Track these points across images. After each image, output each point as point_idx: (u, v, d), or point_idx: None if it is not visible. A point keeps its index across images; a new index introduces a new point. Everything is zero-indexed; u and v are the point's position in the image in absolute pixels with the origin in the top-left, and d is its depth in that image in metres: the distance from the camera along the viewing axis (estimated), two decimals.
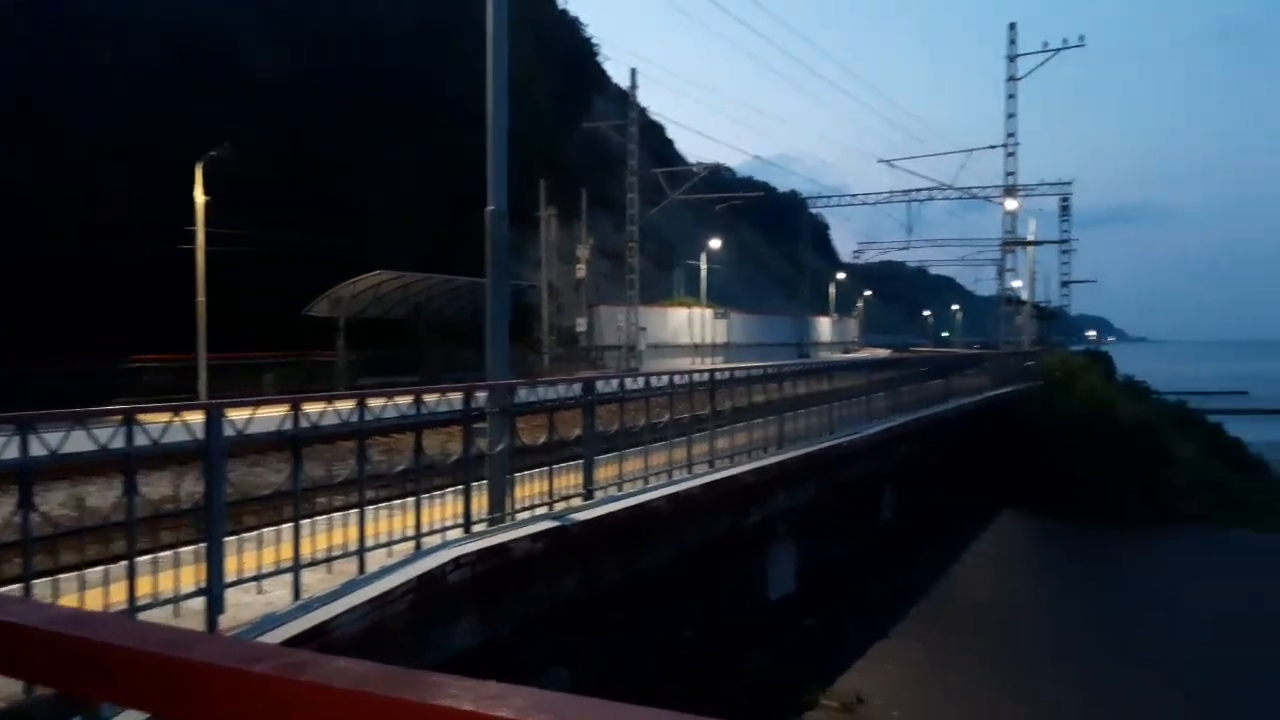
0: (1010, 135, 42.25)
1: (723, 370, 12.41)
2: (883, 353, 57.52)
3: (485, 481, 7.60)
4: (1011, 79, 41.39)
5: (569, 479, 8.34)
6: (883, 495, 17.44)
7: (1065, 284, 59.92)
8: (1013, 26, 41.68)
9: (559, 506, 8.03)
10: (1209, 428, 47.47)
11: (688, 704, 0.85)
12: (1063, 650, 14.02)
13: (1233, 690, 12.89)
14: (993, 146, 43.17)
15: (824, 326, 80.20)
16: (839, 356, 57.19)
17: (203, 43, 32.37)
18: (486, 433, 7.59)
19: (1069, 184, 54.94)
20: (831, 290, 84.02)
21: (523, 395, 7.89)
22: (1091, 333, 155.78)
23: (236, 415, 5.74)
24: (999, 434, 25.85)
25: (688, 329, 51.95)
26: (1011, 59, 41.42)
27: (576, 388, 8.44)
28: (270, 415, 6.09)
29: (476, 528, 7.33)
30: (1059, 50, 40.63)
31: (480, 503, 7.52)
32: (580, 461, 8.49)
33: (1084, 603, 17.11)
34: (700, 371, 11.68)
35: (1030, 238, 51.26)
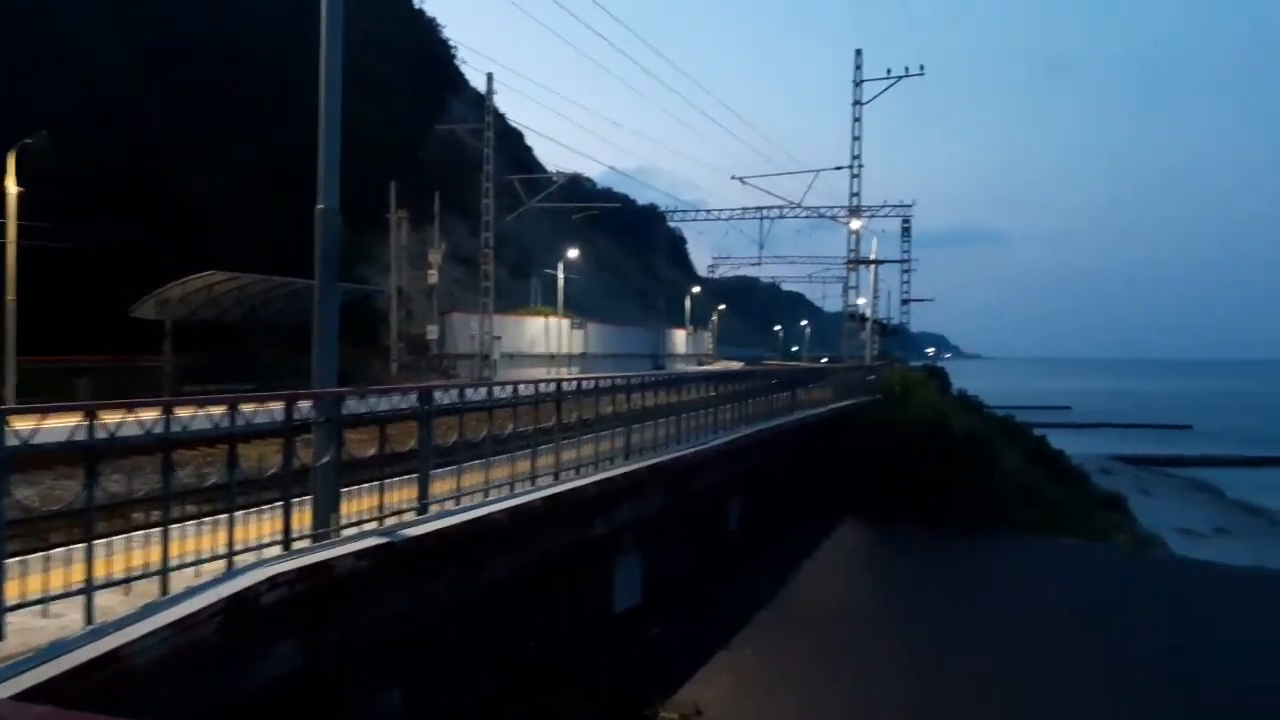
0: (855, 157, 44.02)
1: (569, 381, 12.25)
2: (736, 365, 58.83)
3: (309, 497, 7.18)
4: (857, 103, 43.15)
5: (403, 493, 7.98)
6: (730, 505, 17.68)
7: (906, 302, 63.09)
8: (859, 53, 43.46)
9: (390, 522, 7.66)
10: (1034, 440, 50.76)
11: None
12: (899, 651, 14.53)
13: (1053, 676, 13.70)
14: (839, 168, 44.87)
15: (680, 339, 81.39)
16: (692, 368, 58.14)
17: (38, 24, 29.94)
18: (313, 444, 7.18)
19: (910, 206, 57.78)
20: (688, 303, 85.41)
21: (353, 405, 7.49)
22: (930, 349, 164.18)
23: (23, 424, 5.18)
24: (842, 445, 26.74)
25: (544, 338, 51.60)
26: (857, 84, 43.19)
27: (412, 398, 8.09)
28: (63, 424, 5.54)
29: (298, 545, 6.90)
30: (901, 78, 42.64)
31: (303, 519, 7.10)
32: (415, 475, 8.14)
33: (920, 605, 17.82)
34: (546, 382, 11.47)
35: (873, 257, 53.57)
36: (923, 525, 24.58)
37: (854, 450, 27.08)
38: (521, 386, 10.41)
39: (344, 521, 7.34)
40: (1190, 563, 29.92)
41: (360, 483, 7.68)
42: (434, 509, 8.28)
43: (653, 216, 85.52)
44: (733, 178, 48.99)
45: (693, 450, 14.31)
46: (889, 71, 43.08)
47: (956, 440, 28.24)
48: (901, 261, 60.45)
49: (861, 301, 54.05)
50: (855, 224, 46.68)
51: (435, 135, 53.47)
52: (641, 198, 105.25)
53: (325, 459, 7.12)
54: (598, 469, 11.37)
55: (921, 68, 42.60)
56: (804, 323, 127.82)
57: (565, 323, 53.32)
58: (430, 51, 63.71)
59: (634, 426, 12.69)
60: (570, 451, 11.00)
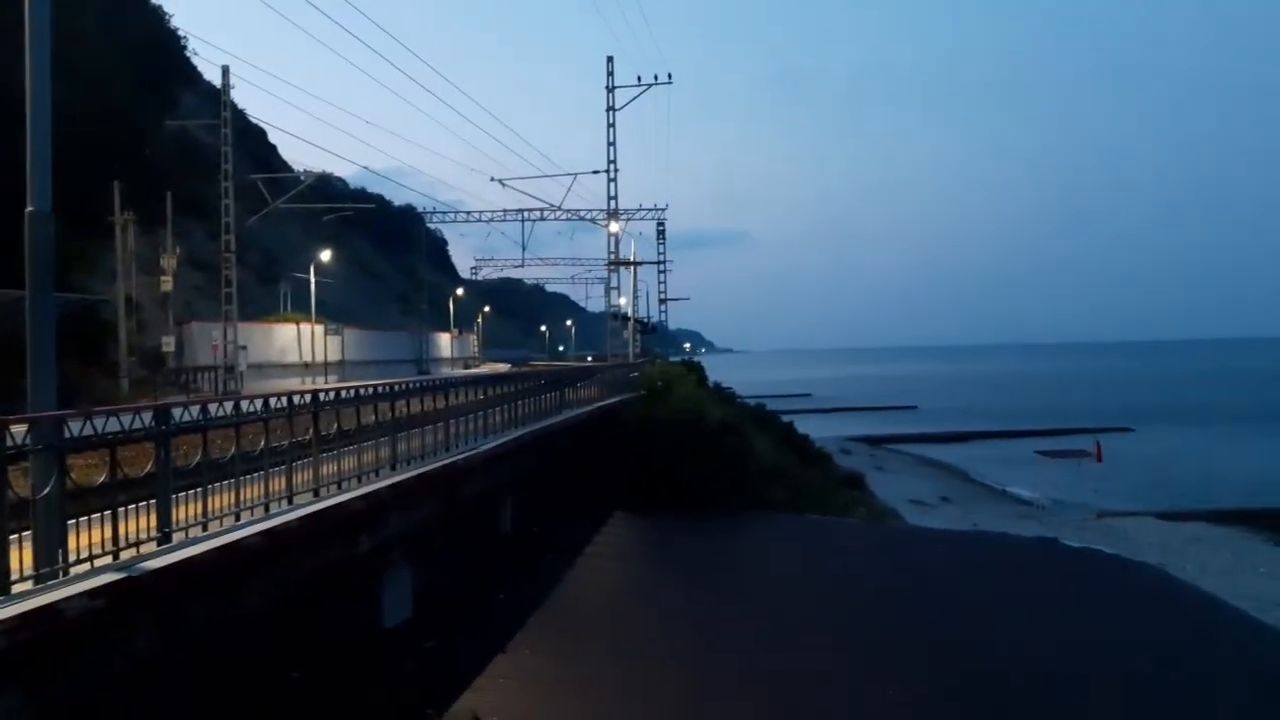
0: (611, 162, 45.05)
1: (328, 390, 11.71)
2: (503, 367, 58.54)
3: (30, 533, 6.45)
4: (611, 109, 44.17)
5: (143, 521, 7.32)
6: (502, 508, 17.59)
7: (663, 301, 65.50)
8: (610, 60, 44.48)
9: (127, 554, 7.02)
10: (783, 426, 54.20)
11: None
12: (669, 632, 15.07)
13: (810, 637, 14.75)
14: (596, 171, 45.76)
15: (444, 342, 79.90)
16: (459, 372, 57.22)
17: None
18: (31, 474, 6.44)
19: (664, 209, 59.91)
20: (451, 306, 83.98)
21: (78, 428, 6.79)
22: (687, 345, 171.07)
23: None
24: (610, 440, 27.33)
25: (296, 347, 48.97)
26: (610, 90, 44.19)
27: (146, 417, 7.43)
28: None
29: (19, 588, 6.18)
30: (650, 85, 44.13)
31: (24, 558, 6.36)
32: (154, 501, 7.50)
33: (685, 586, 18.57)
34: (303, 393, 10.91)
35: (632, 258, 55.13)
36: (685, 511, 25.62)
37: (621, 445, 27.77)
38: (273, 399, 9.83)
39: (74, 558, 6.66)
40: (919, 530, 33.07)
41: (92, 512, 6.98)
42: (178, 537, 7.67)
43: (411, 217, 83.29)
44: (492, 179, 48.75)
45: (463, 456, 14.11)
46: (639, 78, 44.49)
47: (712, 429, 29.62)
48: (658, 262, 62.67)
49: (623, 301, 55.44)
50: (614, 226, 47.84)
51: (166, 132, 49.33)
52: (398, 198, 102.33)
53: (46, 490, 6.42)
54: (361, 482, 10.96)
55: (670, 76, 44.33)
56: (569, 323, 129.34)
57: (319, 329, 50.84)
58: (156, 41, 58.55)
59: (399, 435, 12.33)
60: (331, 465, 10.53)
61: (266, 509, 9.04)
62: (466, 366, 75.64)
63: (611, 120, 44.17)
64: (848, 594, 18.57)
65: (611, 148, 44.69)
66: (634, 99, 44.46)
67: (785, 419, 56.83)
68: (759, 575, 20.33)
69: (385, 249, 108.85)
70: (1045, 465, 77.24)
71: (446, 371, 61.45)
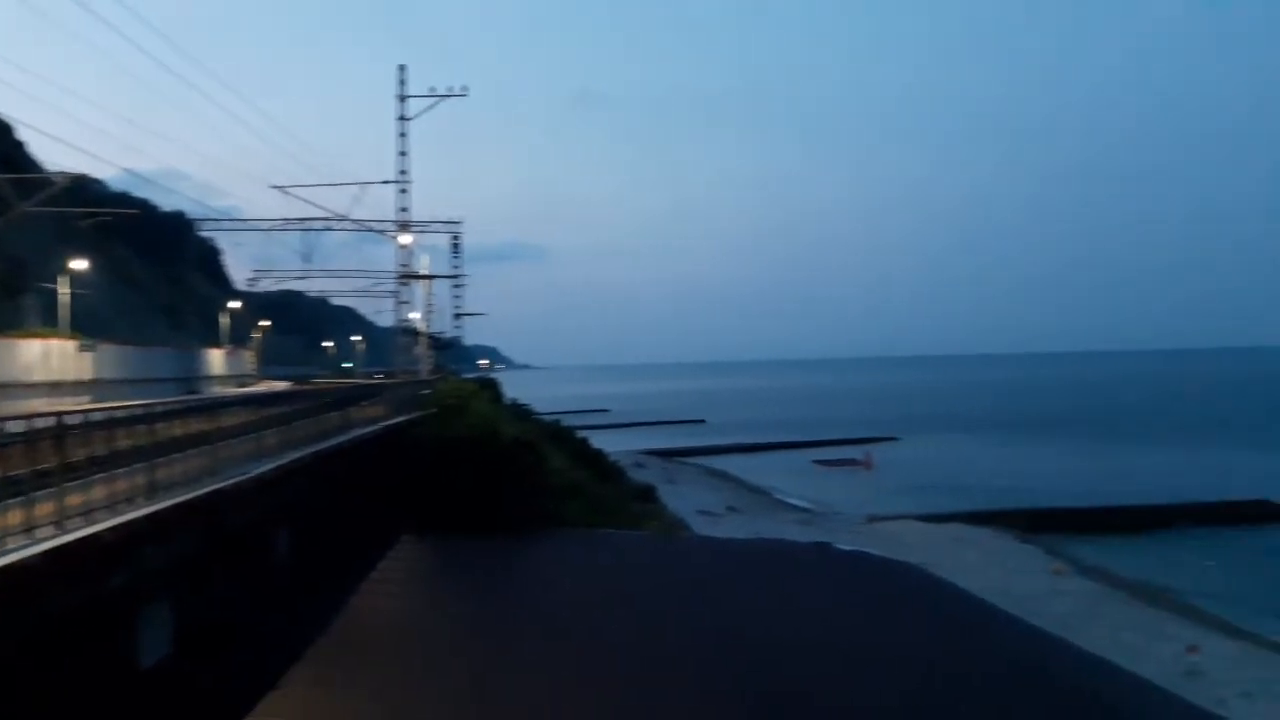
0: (403, 172, 44.01)
1: (78, 412, 10.69)
2: (282, 385, 55.51)
3: None
4: (402, 118, 43.17)
5: None
6: (277, 536, 16.65)
7: (458, 316, 64.34)
8: (402, 68, 43.51)
9: None
10: (578, 442, 54.61)
11: None
12: (461, 658, 14.77)
13: (600, 650, 14.86)
14: (386, 182, 44.52)
15: (216, 359, 74.71)
16: (230, 391, 53.75)
17: None
18: None
19: (459, 222, 58.97)
20: (224, 320, 78.78)
21: None
22: (483, 361, 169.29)
23: None
24: (398, 461, 26.53)
25: (43, 364, 44.32)
26: (402, 99, 43.21)
27: None
28: None
29: None
30: (445, 97, 43.49)
31: None
32: None
33: (480, 611, 18.27)
34: (47, 414, 9.90)
35: (424, 271, 53.91)
36: (479, 531, 25.28)
37: (411, 465, 27.03)
38: (10, 422, 8.87)
39: None
40: (707, 540, 34.23)
41: None
42: None
43: (180, 224, 77.61)
44: (272, 186, 46.38)
45: (231, 482, 13.25)
46: (432, 89, 43.73)
47: (507, 447, 29.42)
48: (453, 276, 61.54)
49: (415, 316, 54.09)
50: (405, 238, 46.67)
51: None
52: (166, 203, 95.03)
53: None
54: (114, 512, 10.07)
55: (465, 88, 43.84)
56: (357, 338, 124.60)
57: (71, 345, 46.23)
58: None
59: (159, 460, 11.43)
60: (79, 495, 9.61)
61: (2, 543, 8.14)
62: (242, 385, 71.21)
63: (403, 130, 43.20)
64: (636, 606, 18.94)
65: (403, 157, 43.68)
66: (427, 109, 43.68)
67: (581, 435, 57.31)
68: (552, 593, 20.34)
69: (151, 258, 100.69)
70: (821, 474, 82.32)
71: (218, 390, 57.58)
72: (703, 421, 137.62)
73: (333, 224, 51.29)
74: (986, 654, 16.64)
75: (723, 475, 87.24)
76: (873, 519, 63.93)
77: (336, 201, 53.55)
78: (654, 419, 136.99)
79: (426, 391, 35.29)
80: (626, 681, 13.92)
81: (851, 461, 79.99)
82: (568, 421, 66.91)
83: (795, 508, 72.04)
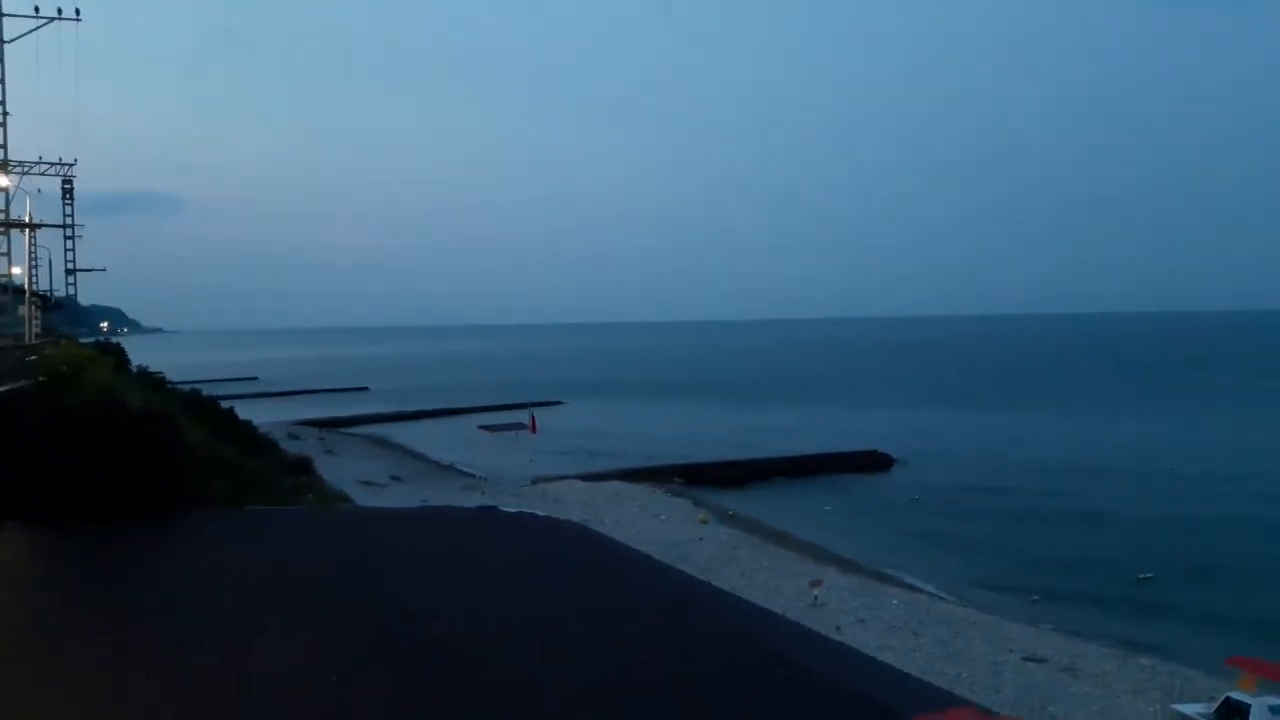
0: (1, 103, 37.49)
1: None
2: None
3: None
4: None
5: None
6: None
7: (70, 272, 56.41)
8: None
9: None
10: (222, 413, 50.35)
11: None
12: (78, 662, 12.97)
13: (253, 635, 13.74)
14: None
15: None
16: None
17: None
18: None
19: (72, 165, 51.63)
20: None
21: None
22: (105, 324, 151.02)
23: None
24: None
25: None
26: None
27: None
28: None
29: None
30: (52, 20, 37.58)
31: None
32: None
33: (100, 606, 16.16)
34: None
35: (29, 220, 46.58)
36: (103, 516, 22.46)
37: (13, 442, 23.29)
38: None
39: None
40: (369, 510, 33.16)
41: None
42: None
43: None
44: None
45: None
46: (37, 9, 37.57)
47: (134, 420, 26.29)
48: (65, 226, 53.78)
49: (17, 271, 46.60)
50: (3, 181, 39.97)
51: None
52: None
53: None
54: None
55: (77, 11, 38.11)
56: None
57: None
58: None
59: None
60: None
61: None
62: None
63: None
64: (293, 583, 17.81)
65: (0, 86, 37.14)
66: (31, 31, 37.45)
67: (226, 405, 52.84)
68: (191, 578, 18.51)
69: None
70: (487, 439, 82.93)
71: None
72: (366, 389, 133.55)
73: None
74: (636, 597, 17.65)
75: (387, 444, 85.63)
76: (537, 480, 65.69)
77: None
78: (312, 387, 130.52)
79: (33, 358, 30.64)
80: (288, 660, 13.02)
81: (517, 425, 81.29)
82: (210, 391, 61.37)
83: (461, 473, 72.18)
